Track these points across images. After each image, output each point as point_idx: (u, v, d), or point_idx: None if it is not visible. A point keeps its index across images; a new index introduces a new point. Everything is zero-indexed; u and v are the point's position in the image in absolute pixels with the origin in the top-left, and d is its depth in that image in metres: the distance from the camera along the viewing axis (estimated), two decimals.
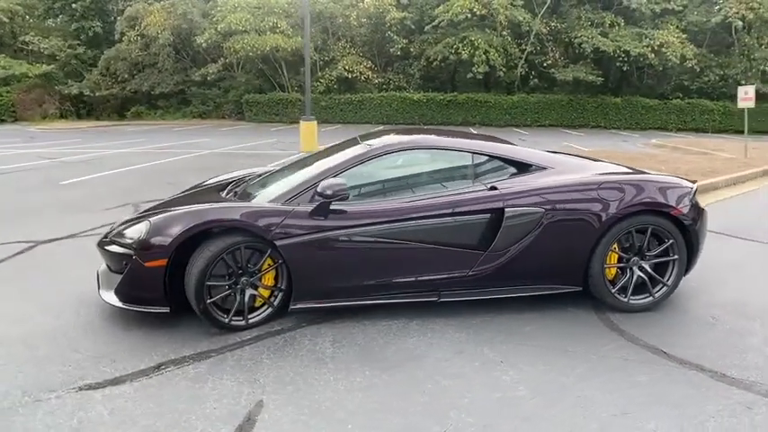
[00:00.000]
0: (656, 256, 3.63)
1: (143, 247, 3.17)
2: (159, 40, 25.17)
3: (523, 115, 25.35)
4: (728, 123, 24.29)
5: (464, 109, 25.72)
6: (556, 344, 3.21)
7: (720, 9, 21.83)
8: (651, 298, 3.65)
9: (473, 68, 23.86)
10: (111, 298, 3.32)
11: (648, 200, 3.55)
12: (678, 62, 22.49)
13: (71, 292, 3.86)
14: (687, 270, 3.71)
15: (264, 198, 3.48)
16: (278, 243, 3.22)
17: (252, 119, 26.21)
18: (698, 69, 23.83)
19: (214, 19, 25.21)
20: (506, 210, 3.42)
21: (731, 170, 9.47)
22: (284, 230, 3.23)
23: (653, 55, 22.30)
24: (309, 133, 13.49)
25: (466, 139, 4.02)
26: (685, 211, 3.60)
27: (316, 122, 13.63)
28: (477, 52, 23.68)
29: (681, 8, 23.51)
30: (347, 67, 26.18)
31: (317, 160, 4.14)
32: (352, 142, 4.16)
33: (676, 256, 3.62)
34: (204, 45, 25.01)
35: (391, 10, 25.59)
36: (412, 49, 26.88)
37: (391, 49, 26.54)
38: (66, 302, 3.70)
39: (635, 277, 3.62)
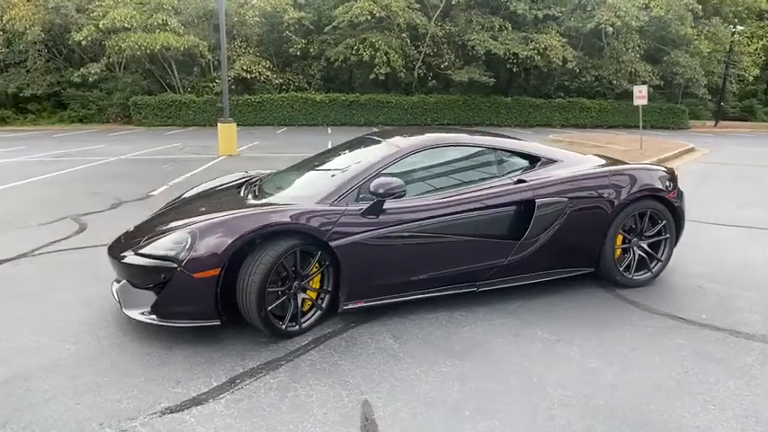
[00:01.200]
0: (652, 236, 4.12)
1: (192, 257, 2.97)
2: (27, 36, 22.57)
3: (423, 115, 26.36)
4: (603, 119, 27.29)
5: (366, 109, 26.17)
6: (592, 319, 3.53)
7: (593, 16, 24.38)
8: (650, 273, 4.13)
9: (375, 69, 24.38)
10: (144, 315, 3.07)
11: (650, 186, 4.02)
12: (561, 64, 24.82)
13: (73, 316, 3.48)
14: (674, 246, 4.25)
15: (309, 199, 3.40)
16: (333, 244, 3.19)
17: (141, 122, 24.45)
18: (577, 71, 26.49)
19: (93, 14, 23.12)
20: (537, 201, 3.68)
21: (634, 160, 10.75)
22: (339, 231, 3.21)
23: (539, 57, 24.36)
24: (228, 136, 12.99)
25: (482, 136, 4.24)
26: (675, 194, 4.12)
27: (234, 125, 13.14)
28: (378, 54, 24.24)
29: (560, 14, 25.91)
30: (245, 68, 25.42)
31: (332, 160, 4.13)
32: (368, 141, 4.20)
33: (668, 235, 4.13)
34: (83, 43, 22.84)
35: (288, 9, 25.29)
36: (311, 50, 26.79)
37: (290, 50, 26.23)
38: (74, 326, 3.33)
39: (636, 256, 4.07)
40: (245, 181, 4.48)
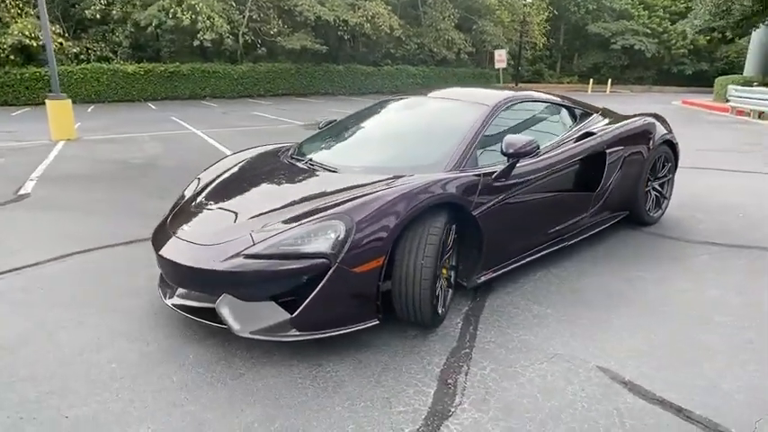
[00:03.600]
0: (662, 177, 4.62)
1: (348, 249, 2.42)
2: None
3: (255, 86, 25.09)
4: (428, 85, 29.14)
5: (191, 81, 23.88)
6: (646, 256, 3.87)
7: None
8: (661, 210, 4.64)
9: (199, 35, 22.26)
10: (275, 333, 2.45)
11: (666, 133, 4.49)
12: (389, 32, 25.64)
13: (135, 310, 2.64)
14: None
15: (430, 168, 3.01)
16: (475, 213, 2.92)
17: None
18: (403, 38, 27.66)
19: None
20: (607, 152, 3.83)
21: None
22: (479, 200, 2.94)
23: (368, 25, 24.81)
24: (62, 115, 10.71)
25: (543, 92, 4.28)
26: (676, 139, 4.66)
27: (69, 101, 10.86)
28: (200, 18, 22.12)
29: None
30: (27, 33, 21.02)
31: (388, 125, 3.75)
32: (417, 102, 3.93)
33: (671, 175, 4.68)
34: None
35: None
36: (114, 12, 23.26)
37: (86, 11, 22.42)
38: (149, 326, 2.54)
39: (653, 196, 4.54)
40: (274, 155, 3.82)
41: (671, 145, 4.58)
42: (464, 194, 2.85)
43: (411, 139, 3.51)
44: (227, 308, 2.50)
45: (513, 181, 3.18)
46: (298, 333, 2.45)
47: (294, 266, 2.45)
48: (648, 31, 36.75)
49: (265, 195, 3.06)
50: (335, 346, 2.60)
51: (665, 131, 4.52)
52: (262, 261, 2.46)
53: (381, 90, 27.82)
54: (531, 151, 3.08)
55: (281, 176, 3.30)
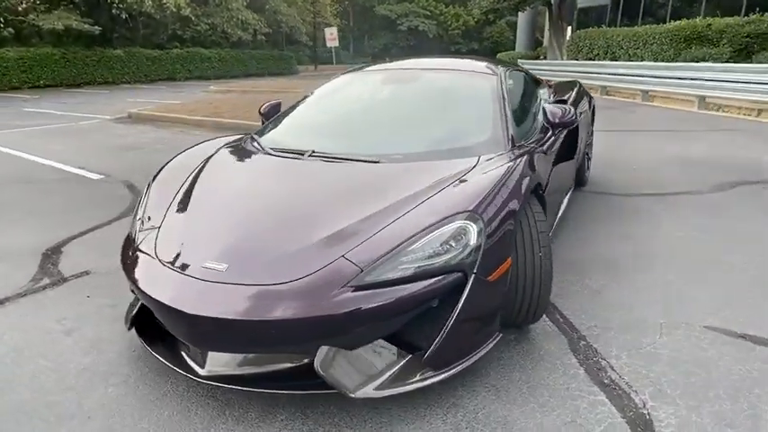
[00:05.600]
0: (591, 135, 4.92)
1: (483, 254, 1.92)
2: None
3: (5, 76, 20.62)
4: (225, 69, 27.46)
5: None
6: (615, 215, 4.10)
7: None
8: (589, 170, 4.96)
9: None
10: (403, 382, 1.86)
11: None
12: (175, 10, 23.26)
13: None
14: None
15: (486, 146, 2.60)
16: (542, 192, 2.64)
17: None
18: (192, 18, 25.36)
19: None
20: (580, 116, 3.86)
21: None
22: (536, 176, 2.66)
23: (150, 2, 22.16)
24: None
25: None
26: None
27: None
28: None
29: None
30: None
31: (391, 105, 3.24)
32: (409, 76, 3.45)
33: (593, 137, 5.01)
34: None
35: None
36: None
37: None
38: None
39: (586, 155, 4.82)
40: (231, 149, 2.99)
41: (593, 109, 4.88)
42: (535, 171, 2.55)
43: (438, 117, 3.02)
44: (333, 365, 1.81)
45: (544, 152, 2.98)
46: (432, 374, 1.89)
47: (423, 290, 1.83)
48: (428, 13, 39.99)
49: (306, 202, 2.31)
50: (451, 384, 2.07)
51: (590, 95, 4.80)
52: (379, 291, 1.81)
53: (174, 76, 25.32)
54: (573, 121, 2.91)
55: (303, 177, 2.54)
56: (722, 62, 11.46)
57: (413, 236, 1.91)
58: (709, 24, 12.89)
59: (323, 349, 1.81)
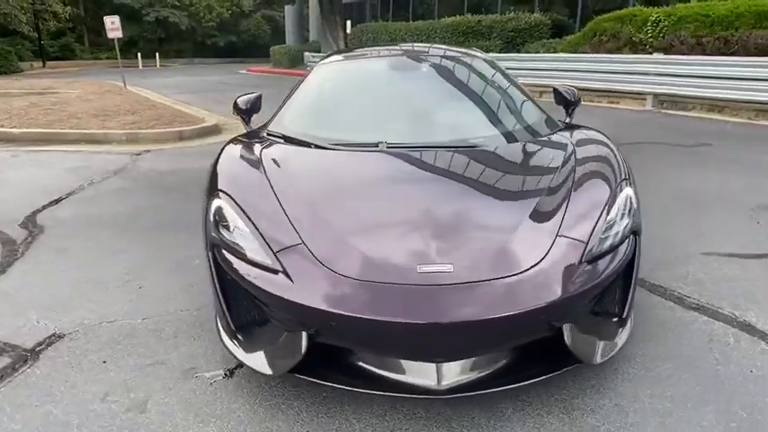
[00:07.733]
0: None
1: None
2: None
3: None
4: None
5: None
6: None
7: None
8: None
9: None
10: (611, 346, 2.06)
11: None
12: None
13: None
14: None
15: (537, 130, 2.91)
16: None
17: None
18: None
19: None
20: None
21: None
22: None
23: None
24: None
25: None
26: None
27: None
28: None
29: None
30: None
31: (406, 91, 3.28)
32: (410, 64, 3.55)
33: None
34: None
35: None
36: None
37: None
38: None
39: None
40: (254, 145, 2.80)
41: None
42: None
43: (477, 102, 3.19)
44: (576, 339, 1.89)
45: None
46: (625, 332, 2.11)
47: (625, 253, 2.11)
48: (177, 3, 37.42)
49: (451, 193, 2.35)
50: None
51: None
52: (602, 261, 2.01)
53: None
54: (579, 99, 3.43)
55: (412, 169, 2.52)
56: (496, 53, 13.57)
57: (605, 205, 2.16)
58: (480, 20, 15.12)
59: (567, 326, 1.87)
